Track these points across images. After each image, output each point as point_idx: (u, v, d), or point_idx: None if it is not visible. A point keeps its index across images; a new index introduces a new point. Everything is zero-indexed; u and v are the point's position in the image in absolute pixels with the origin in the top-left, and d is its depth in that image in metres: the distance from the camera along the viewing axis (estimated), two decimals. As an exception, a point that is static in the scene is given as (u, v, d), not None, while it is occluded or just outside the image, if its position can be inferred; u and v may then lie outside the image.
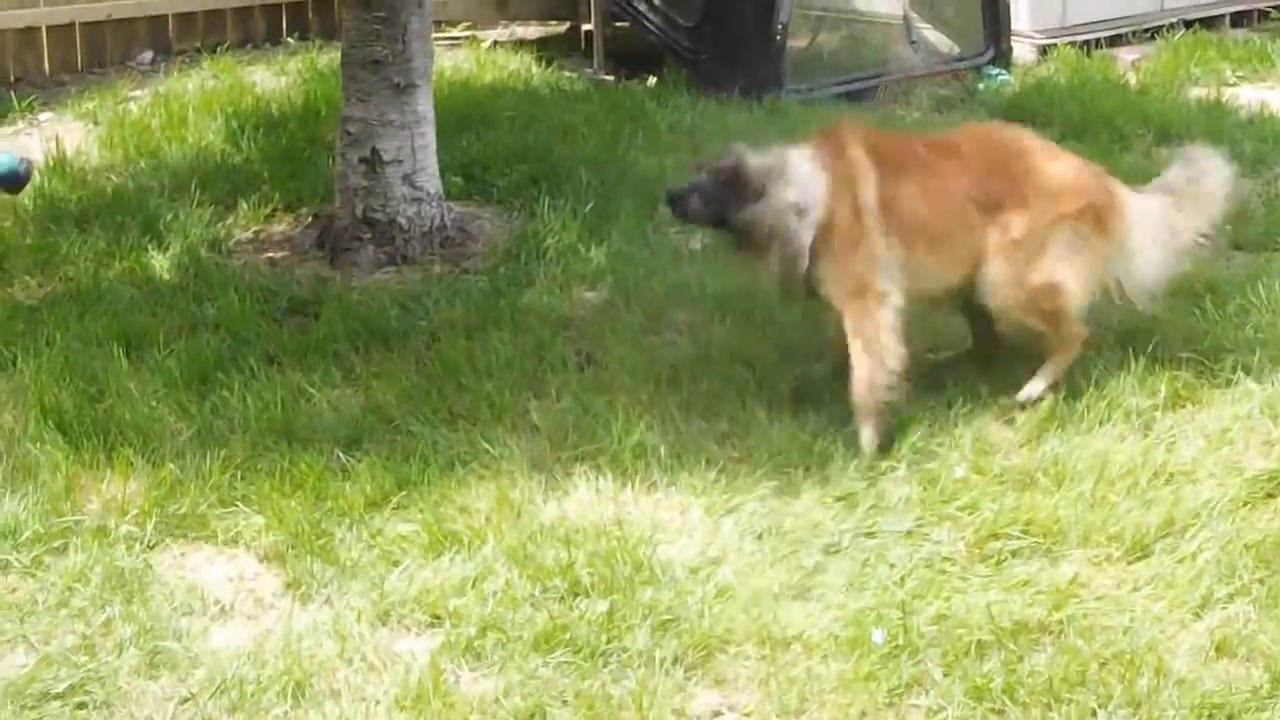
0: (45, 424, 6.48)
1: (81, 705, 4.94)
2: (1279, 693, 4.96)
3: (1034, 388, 6.89)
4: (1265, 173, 10.09)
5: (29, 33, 11.84)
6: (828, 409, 6.71)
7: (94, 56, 12.11)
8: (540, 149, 9.89)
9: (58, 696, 4.97)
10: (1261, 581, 5.54)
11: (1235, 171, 7.41)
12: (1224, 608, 5.39)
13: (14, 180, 8.03)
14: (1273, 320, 7.49)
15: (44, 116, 10.65)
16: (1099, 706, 4.93)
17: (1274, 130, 11.09)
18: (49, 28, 11.92)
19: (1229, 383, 6.95)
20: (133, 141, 9.89)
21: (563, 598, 5.45)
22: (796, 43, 11.98)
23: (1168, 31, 14.15)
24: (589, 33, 12.72)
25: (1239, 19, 15.13)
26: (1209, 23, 14.73)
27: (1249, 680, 5.04)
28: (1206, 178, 7.19)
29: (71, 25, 12.00)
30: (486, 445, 6.41)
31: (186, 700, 4.97)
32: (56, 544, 5.75)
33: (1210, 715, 4.88)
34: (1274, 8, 15.42)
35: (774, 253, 6.66)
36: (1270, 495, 6.10)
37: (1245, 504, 6.03)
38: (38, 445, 6.31)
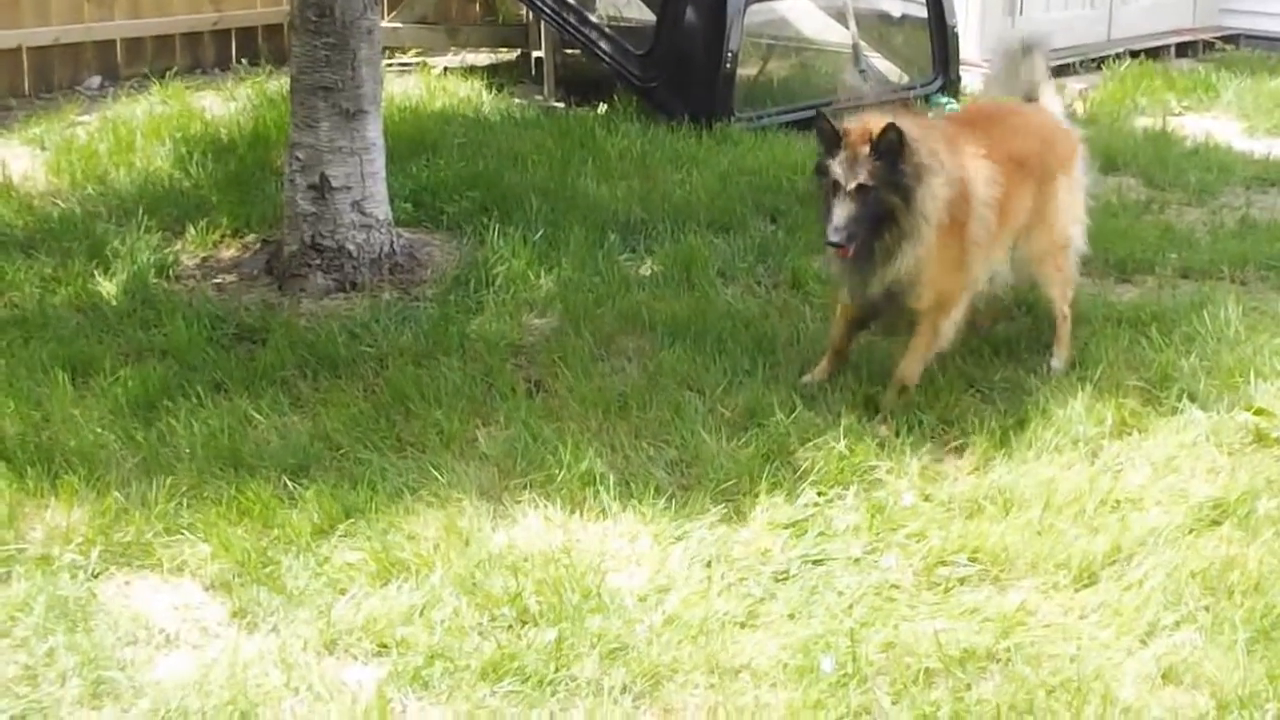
0: (-10, 451, 6.43)
1: (25, 735, 4.91)
2: (1224, 718, 4.97)
3: (1061, 355, 7.44)
4: (1210, 202, 10.20)
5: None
6: (776, 435, 6.70)
7: (41, 81, 12.08)
8: (490, 176, 9.89)
9: (0, 727, 4.94)
10: (1208, 609, 5.55)
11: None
12: (1170, 635, 5.40)
13: None
14: (1218, 348, 7.55)
15: (-8, 142, 10.62)
16: (1047, 734, 4.95)
17: (1219, 160, 11.21)
18: (-8, 53, 11.90)
19: (1175, 410, 6.99)
20: (80, 167, 9.86)
21: (510, 626, 5.42)
22: (746, 70, 12.03)
23: (1114, 61, 14.29)
24: (539, 60, 12.75)
25: (1184, 49, 15.30)
26: (1155, 53, 14.88)
27: (1195, 708, 5.05)
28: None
29: (18, 49, 11.97)
30: (435, 473, 6.39)
31: (131, 730, 4.95)
32: (0, 571, 5.70)
33: (1157, 742, 4.90)
34: (1218, 39, 15.56)
35: (898, 240, 6.80)
36: (1216, 522, 6.12)
37: (1191, 531, 6.05)
38: (-17, 472, 6.27)
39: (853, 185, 6.59)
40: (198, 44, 12.91)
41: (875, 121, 6.62)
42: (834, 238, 6.65)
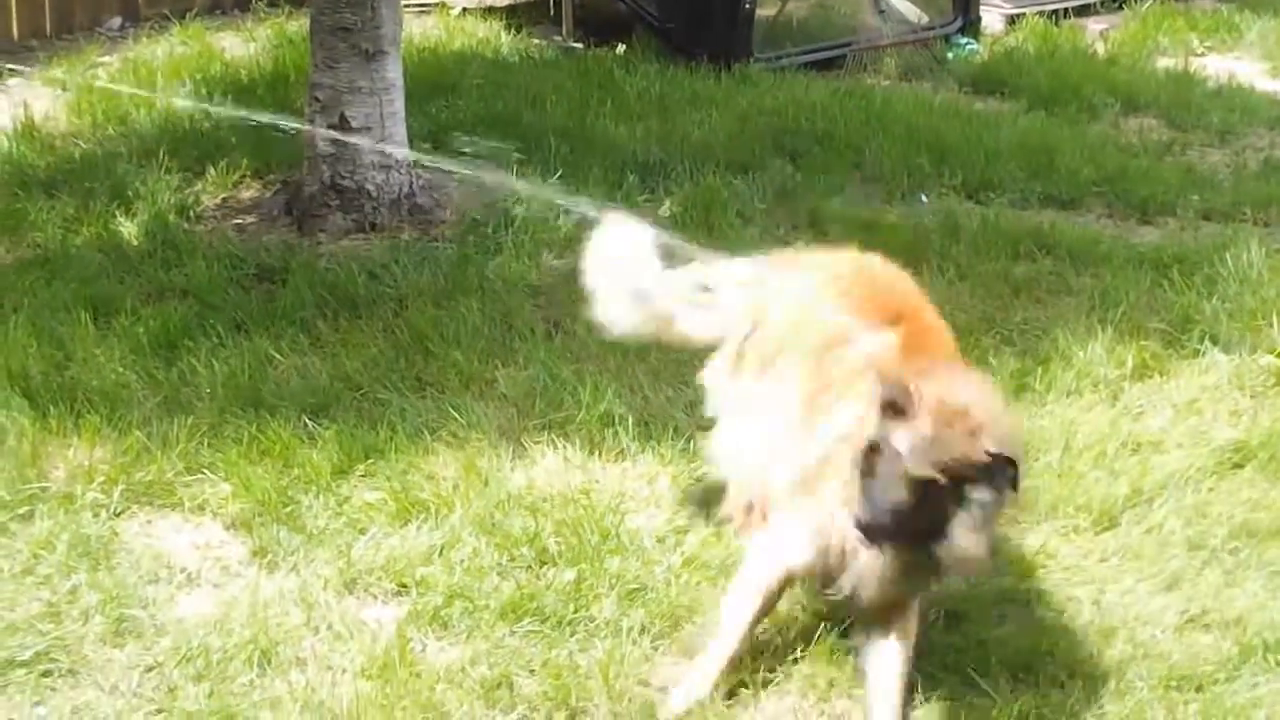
0: (11, 390, 6.41)
1: (47, 673, 4.90)
2: (1247, 664, 4.98)
3: None
4: (1233, 143, 10.17)
5: (-5, 7, 11.80)
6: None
7: (63, 23, 12.03)
8: (509, 116, 9.84)
9: (23, 664, 4.93)
10: (1231, 552, 5.56)
11: None
12: (1193, 579, 5.41)
13: None
14: (1240, 291, 7.53)
15: (12, 83, 10.54)
16: (1067, 677, 4.94)
17: (1241, 101, 11.16)
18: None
19: (1196, 353, 6.98)
20: (101, 108, 9.81)
21: (530, 566, 5.44)
22: (765, 11, 11.94)
23: (1136, 1, 14.17)
24: (558, 0, 12.68)
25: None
26: (1177, -8, 14.76)
27: (1218, 651, 5.06)
28: None
29: (41, -4, 11.96)
30: (454, 413, 6.38)
31: (152, 668, 4.94)
32: (22, 511, 5.69)
33: (1179, 686, 4.90)
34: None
35: None
36: (1238, 465, 6.13)
37: (1213, 474, 6.06)
38: (3, 412, 6.24)
39: None
40: (217, -17, 12.88)
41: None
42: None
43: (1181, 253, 8.01)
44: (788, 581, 5.03)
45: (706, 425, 5.80)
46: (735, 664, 4.92)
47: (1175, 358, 6.94)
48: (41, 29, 11.94)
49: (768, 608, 5.02)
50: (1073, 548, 5.63)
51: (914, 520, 4.52)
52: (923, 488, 4.49)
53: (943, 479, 4.48)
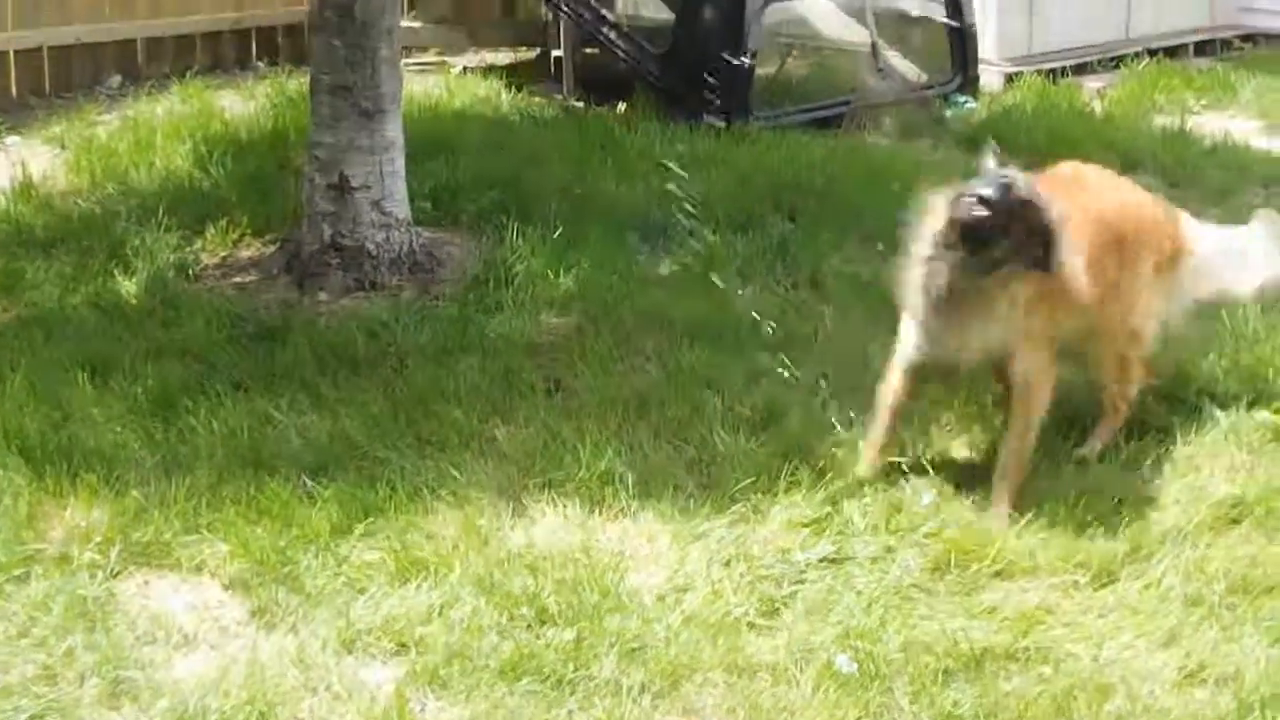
0: (8, 450, 6.43)
1: (45, 734, 4.92)
2: (1246, 716, 4.98)
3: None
4: (1229, 201, 10.17)
5: (-4, 60, 11.85)
6: (795, 434, 6.71)
7: (61, 80, 12.10)
8: (509, 175, 9.88)
9: (21, 726, 4.95)
10: (1229, 608, 5.56)
11: None
12: (1192, 634, 5.40)
13: None
14: (1236, 348, 7.55)
15: (11, 140, 10.62)
16: (1067, 734, 4.95)
17: (1237, 159, 11.21)
18: (16, 52, 11.92)
19: (1194, 409, 6.98)
20: (100, 166, 9.87)
21: (529, 626, 5.43)
22: (764, 69, 12.02)
23: (1132, 60, 14.27)
24: (559, 59, 12.77)
25: (1202, 48, 15.28)
26: (1173, 52, 14.85)
27: (1215, 707, 5.05)
28: None
29: (39, 49, 11.99)
30: (453, 472, 6.39)
31: (150, 729, 4.95)
32: (18, 572, 5.69)
33: (1177, 741, 4.90)
34: (1237, 37, 15.56)
35: None
36: (1235, 521, 6.13)
37: (1211, 530, 6.05)
38: (3, 472, 6.26)
39: None
40: (218, 43, 12.93)
41: None
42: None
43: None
44: (914, 370, 6.44)
45: (705, 484, 5.84)
46: (891, 441, 6.48)
47: (1173, 414, 6.94)
48: (40, 87, 12.01)
49: (904, 393, 6.47)
50: (1072, 603, 5.63)
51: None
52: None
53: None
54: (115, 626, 5.42)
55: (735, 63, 11.36)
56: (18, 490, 6.14)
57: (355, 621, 5.44)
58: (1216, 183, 10.56)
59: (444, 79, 12.71)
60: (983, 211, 5.99)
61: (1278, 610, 5.54)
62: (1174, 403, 7.03)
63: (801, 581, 5.73)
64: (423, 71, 12.70)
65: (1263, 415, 6.91)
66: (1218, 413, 6.92)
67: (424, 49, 13.26)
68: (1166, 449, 6.67)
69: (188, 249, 8.64)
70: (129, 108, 11.53)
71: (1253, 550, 5.91)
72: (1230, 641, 5.36)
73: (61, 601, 5.49)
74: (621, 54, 12.11)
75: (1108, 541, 5.94)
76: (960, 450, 6.70)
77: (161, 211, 8.88)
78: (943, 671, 5.19)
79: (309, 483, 6.26)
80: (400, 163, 8.52)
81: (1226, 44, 15.51)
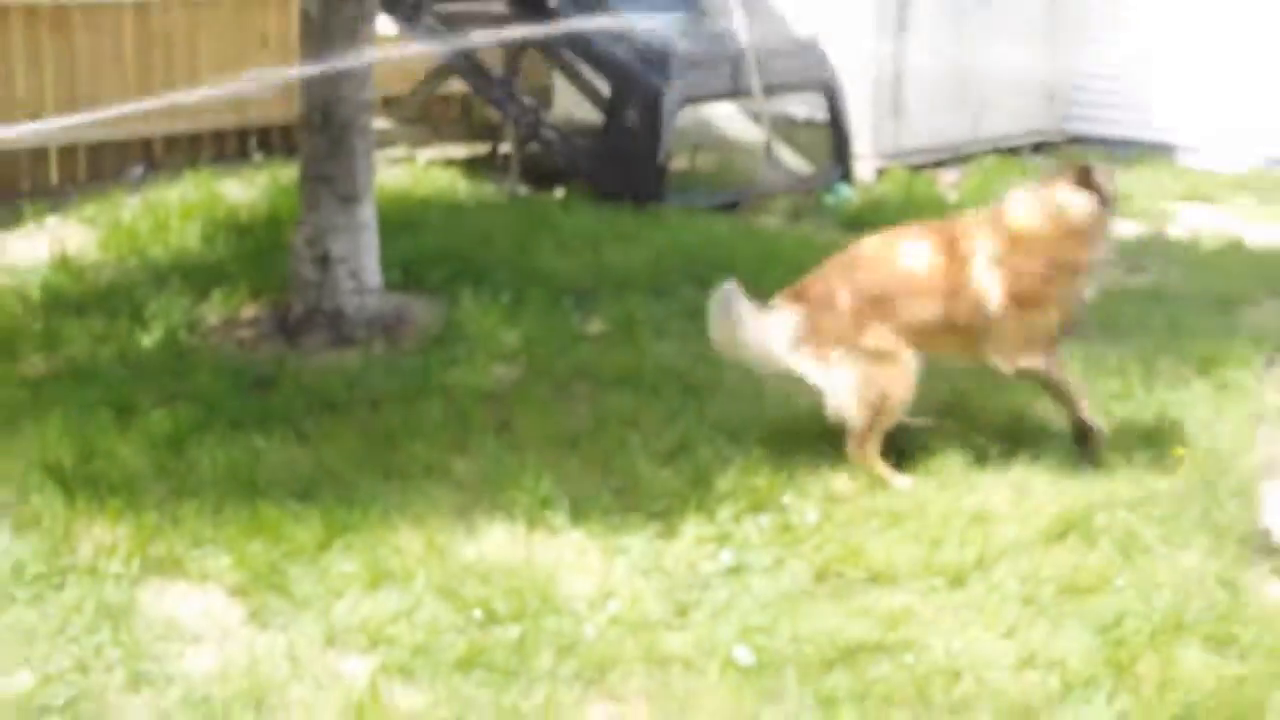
0: (46, 479, 6.36)
1: (76, 718, 4.88)
2: (1069, 697, 5.05)
3: None
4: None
5: (39, 152, 11.78)
6: (701, 465, 6.71)
7: (94, 171, 12.03)
8: (465, 249, 9.86)
9: (56, 710, 4.91)
10: (1057, 606, 5.61)
11: None
12: (1027, 629, 5.45)
13: None
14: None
15: (51, 221, 10.53)
16: (924, 710, 4.98)
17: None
18: (57, 148, 11.87)
19: (1030, 443, 7.01)
20: (124, 242, 9.81)
21: (481, 625, 5.42)
22: (677, 163, 12.06)
23: (980, 157, 14.37)
24: (507, 154, 12.75)
25: (1038, 147, 15.41)
26: (1013, 150, 14.98)
27: (1045, 687, 5.10)
28: None
29: (75, 146, 11.95)
30: (417, 496, 6.38)
31: (164, 715, 4.91)
32: (55, 581, 5.65)
33: (1015, 715, 4.95)
34: (1066, 140, 15.71)
35: None
36: (1062, 535, 6.16)
37: (1042, 542, 6.10)
38: (39, 497, 6.20)
39: None
40: (223, 140, 12.86)
41: None
42: None
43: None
44: None
45: (627, 506, 5.83)
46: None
47: (1013, 447, 6.96)
48: (76, 175, 11.94)
49: None
50: (929, 604, 5.65)
51: None
52: None
53: None
54: (136, 626, 5.39)
55: (652, 158, 11.38)
56: (54, 513, 6.08)
57: (335, 622, 5.42)
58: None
59: (411, 169, 12.68)
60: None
61: (1096, 608, 5.59)
62: (1013, 438, 7.05)
63: (707, 588, 5.72)
64: (393, 164, 12.64)
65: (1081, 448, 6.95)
66: (1048, 445, 6.97)
67: (394, 144, 13.22)
68: (1006, 475, 6.70)
69: (196, 311, 8.59)
70: (149, 194, 11.45)
71: (1076, 559, 5.96)
72: (1058, 634, 5.41)
73: (91, 605, 5.46)
74: (558, 150, 12.13)
75: (958, 553, 5.96)
76: (839, 481, 6.70)
77: (175, 280, 8.84)
78: (824, 661, 5.21)
79: (296, 505, 6.22)
80: (373, 239, 8.51)
81: (1054, 145, 15.65)
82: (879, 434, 6.72)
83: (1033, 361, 6.77)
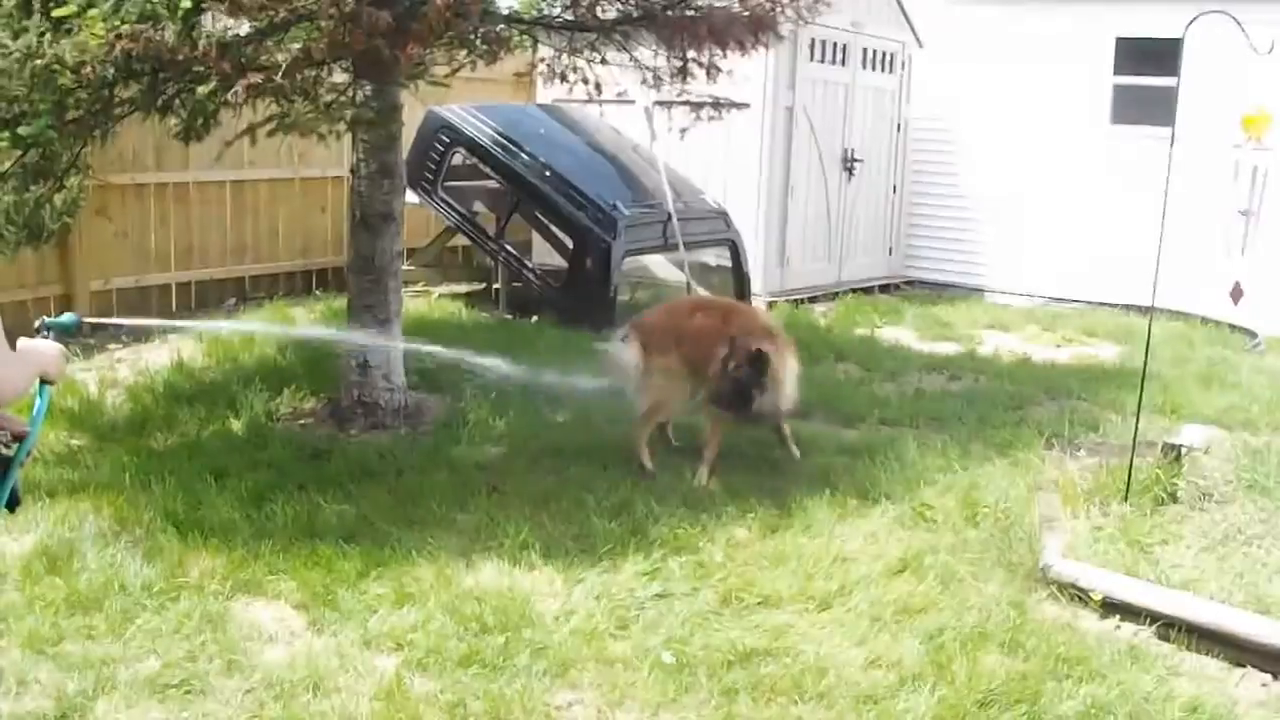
0: (166, 522, 6.41)
1: (188, 692, 4.94)
2: (903, 688, 5.09)
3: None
4: (899, 380, 10.32)
5: (164, 288, 11.90)
6: (639, 519, 6.74)
7: (201, 301, 12.09)
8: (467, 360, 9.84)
9: (174, 687, 4.96)
10: (897, 623, 5.67)
11: None
12: (874, 639, 5.51)
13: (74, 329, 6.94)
14: (901, 467, 7.68)
15: (172, 337, 10.51)
16: (799, 696, 5.03)
17: (903, 354, 11.36)
18: (175, 284, 11.95)
19: (876, 503, 7.10)
20: (223, 353, 9.81)
21: (476, 634, 5.45)
22: (622, 297, 12.12)
23: (843, 295, 14.50)
24: (498, 290, 12.80)
25: (885, 288, 15.56)
26: (867, 290, 15.12)
27: (887, 680, 5.16)
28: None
29: (190, 283, 12.03)
30: (431, 540, 6.40)
31: (249, 692, 4.96)
32: (172, 595, 5.70)
33: (864, 701, 4.99)
34: (904, 282, 15.88)
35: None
36: (900, 571, 6.21)
37: (886, 577, 6.14)
38: (163, 536, 6.25)
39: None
40: (292, 278, 12.89)
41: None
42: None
43: (869, 444, 8.14)
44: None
45: (584, 549, 5.84)
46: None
47: (865, 506, 7.05)
48: (189, 305, 11.99)
49: None
50: (805, 621, 5.70)
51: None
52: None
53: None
54: (229, 629, 5.44)
55: (605, 294, 11.47)
56: (171, 547, 6.12)
57: (371, 630, 5.46)
58: (891, 367, 10.70)
59: (427, 300, 12.73)
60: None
61: (924, 623, 5.64)
62: (865, 499, 7.12)
63: (643, 608, 5.76)
64: (415, 296, 12.67)
65: (913, 507, 7.03)
66: (890, 506, 7.04)
67: (416, 282, 13.26)
68: (861, 527, 6.76)
69: (273, 403, 8.58)
70: (240, 318, 11.47)
71: (910, 589, 6.00)
72: (896, 643, 5.46)
73: (197, 613, 5.52)
74: (536, 287, 12.20)
75: (825, 583, 6.01)
76: (739, 531, 6.73)
77: (257, 380, 8.83)
78: (726, 662, 5.26)
79: (344, 546, 6.26)
80: (400, 351, 8.56)
81: (898, 286, 15.79)
82: (651, 423, 7.55)
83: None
